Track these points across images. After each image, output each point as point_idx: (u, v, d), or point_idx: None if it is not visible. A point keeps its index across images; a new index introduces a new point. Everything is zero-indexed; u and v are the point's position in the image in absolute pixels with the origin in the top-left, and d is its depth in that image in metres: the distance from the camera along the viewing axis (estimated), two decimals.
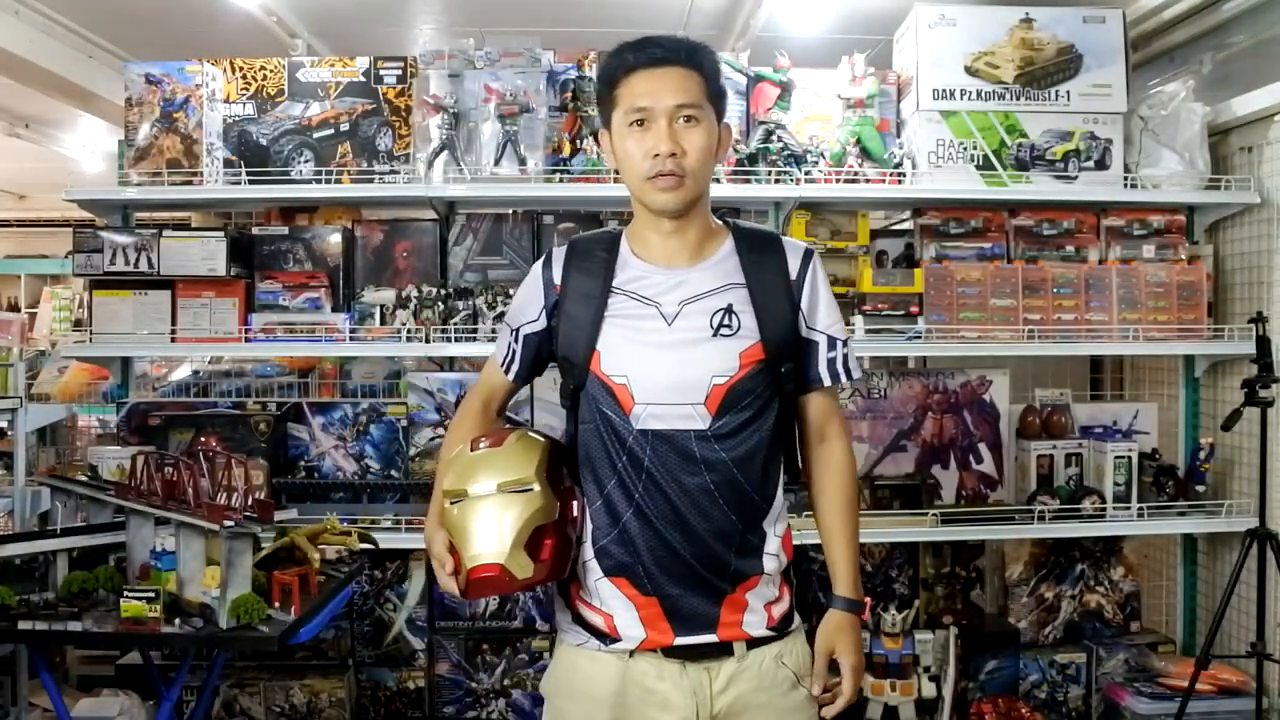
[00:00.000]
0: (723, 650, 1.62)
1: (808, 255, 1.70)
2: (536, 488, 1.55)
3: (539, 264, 1.74)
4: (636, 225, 1.70)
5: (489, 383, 1.83)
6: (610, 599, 1.62)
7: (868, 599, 1.73)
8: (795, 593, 1.72)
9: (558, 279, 1.70)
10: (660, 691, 1.61)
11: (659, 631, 1.60)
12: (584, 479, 1.67)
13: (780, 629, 1.67)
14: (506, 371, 1.79)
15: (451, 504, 1.57)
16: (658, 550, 1.60)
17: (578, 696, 1.66)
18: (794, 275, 1.68)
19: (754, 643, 1.64)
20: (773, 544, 1.67)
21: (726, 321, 1.62)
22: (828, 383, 1.71)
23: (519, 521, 1.53)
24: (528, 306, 1.74)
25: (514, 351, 1.77)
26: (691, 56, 1.62)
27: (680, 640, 1.61)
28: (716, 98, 1.65)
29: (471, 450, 1.62)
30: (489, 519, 1.53)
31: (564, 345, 1.68)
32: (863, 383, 3.36)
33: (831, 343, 1.70)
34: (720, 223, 1.72)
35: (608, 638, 1.63)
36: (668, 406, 1.60)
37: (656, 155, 1.58)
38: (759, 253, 1.68)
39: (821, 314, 1.70)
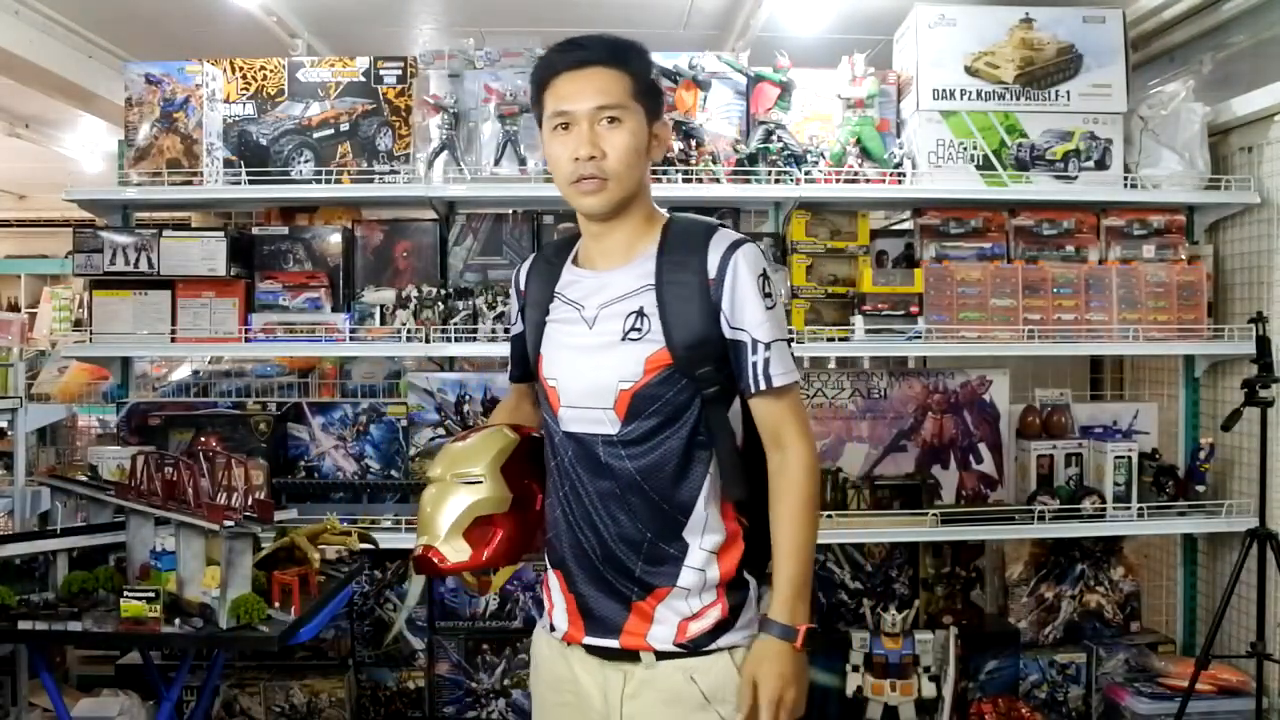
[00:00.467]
0: (628, 656, 1.61)
1: (730, 249, 1.58)
2: (485, 480, 1.63)
3: (518, 269, 1.82)
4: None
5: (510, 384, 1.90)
6: (553, 589, 1.71)
7: (806, 626, 1.57)
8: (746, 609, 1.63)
9: (523, 284, 1.78)
10: (584, 684, 1.65)
11: (576, 627, 1.66)
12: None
13: (693, 646, 1.59)
14: (509, 372, 1.86)
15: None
16: (575, 550, 1.65)
17: (540, 673, 1.76)
18: (713, 274, 1.57)
19: (667, 655, 1.60)
20: (697, 557, 1.60)
21: (636, 325, 1.60)
22: (750, 390, 1.59)
23: (459, 509, 1.63)
24: (512, 311, 1.83)
25: (511, 354, 1.84)
26: (615, 56, 1.60)
27: (588, 640, 1.64)
28: (644, 95, 1.62)
29: (451, 442, 1.73)
30: (434, 505, 1.65)
31: (528, 349, 1.75)
32: (863, 382, 3.37)
33: (754, 345, 1.58)
34: (666, 220, 1.68)
35: (550, 625, 1.71)
36: (584, 410, 1.62)
37: (578, 159, 1.58)
38: (682, 252, 1.61)
39: (742, 313, 1.58)
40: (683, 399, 1.58)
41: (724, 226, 1.65)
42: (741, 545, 1.63)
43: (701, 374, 1.58)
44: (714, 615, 1.60)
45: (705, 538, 1.61)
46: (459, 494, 1.63)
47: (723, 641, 1.60)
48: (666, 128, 1.69)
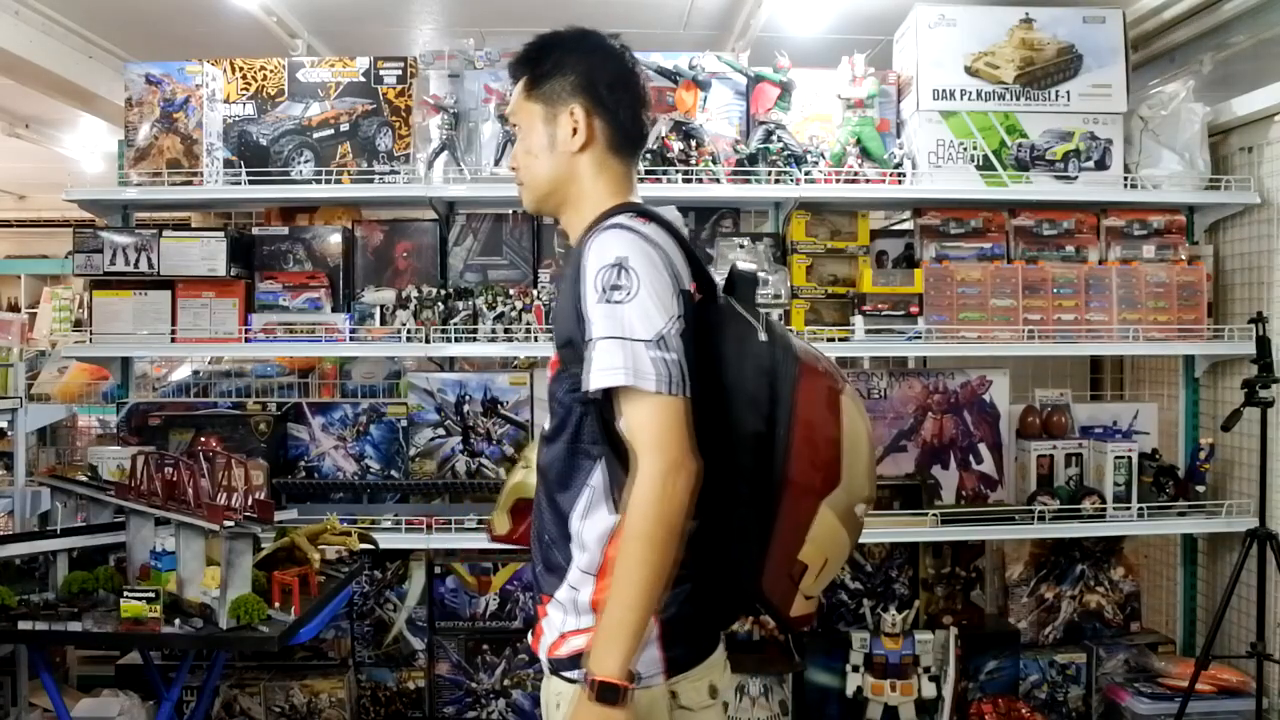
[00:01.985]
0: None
1: (585, 238, 1.50)
2: (526, 466, 1.80)
3: None
4: None
5: None
6: None
7: (602, 677, 1.35)
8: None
9: None
10: None
11: None
12: None
13: (556, 667, 1.52)
14: None
15: None
16: None
17: None
18: (579, 267, 1.46)
19: (550, 667, 1.55)
20: (573, 574, 1.50)
21: (549, 323, 1.63)
22: (585, 394, 1.43)
23: (506, 488, 1.85)
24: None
25: None
26: (514, 70, 1.64)
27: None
28: (535, 90, 1.58)
29: None
30: (506, 482, 1.87)
31: None
32: (863, 382, 3.37)
33: (589, 343, 1.42)
34: (603, 212, 1.57)
35: None
36: None
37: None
38: (578, 247, 1.52)
39: (585, 306, 1.43)
40: (569, 401, 1.49)
41: (625, 216, 1.50)
42: None
43: (574, 374, 1.46)
44: (578, 643, 1.47)
45: (584, 556, 1.49)
46: (514, 475, 1.84)
47: (577, 674, 1.43)
48: (574, 111, 1.55)
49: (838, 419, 1.47)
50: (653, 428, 1.38)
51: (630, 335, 1.39)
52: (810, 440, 1.46)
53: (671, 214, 1.64)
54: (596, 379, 1.39)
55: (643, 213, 1.53)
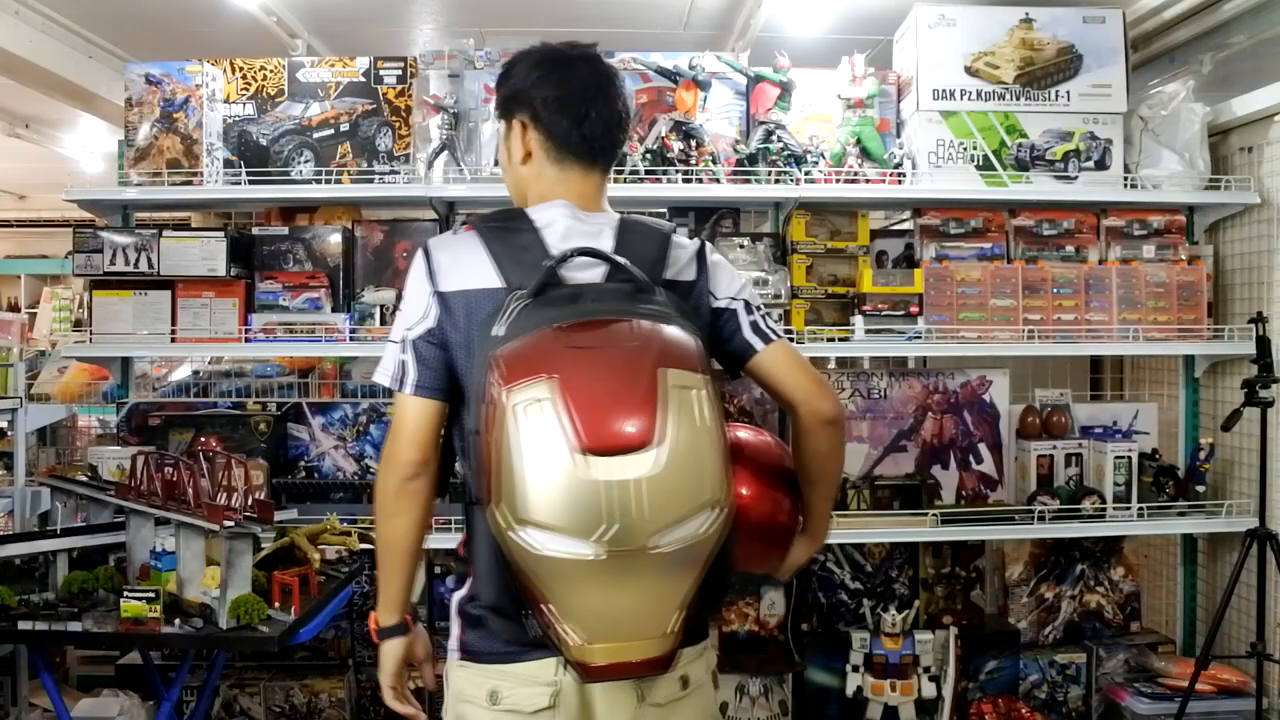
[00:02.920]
0: None
1: None
2: None
3: None
4: None
5: None
6: None
7: (379, 622, 1.67)
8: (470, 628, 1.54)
9: None
10: None
11: None
12: None
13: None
14: None
15: None
16: None
17: None
18: None
19: None
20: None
21: None
22: None
23: None
24: None
25: None
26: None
27: None
28: (499, 108, 1.64)
29: None
30: None
31: None
32: (863, 382, 3.37)
33: None
34: None
35: None
36: None
37: None
38: None
39: None
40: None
41: (459, 226, 1.64)
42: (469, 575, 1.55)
43: None
44: (454, 631, 1.58)
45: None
46: None
47: (446, 663, 1.63)
48: (513, 126, 1.61)
49: (493, 421, 1.30)
50: (392, 418, 1.55)
51: (391, 338, 1.56)
52: (478, 443, 1.37)
53: (551, 212, 1.55)
54: (379, 378, 1.56)
55: (486, 219, 1.59)
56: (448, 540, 3.11)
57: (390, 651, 1.65)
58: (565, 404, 1.25)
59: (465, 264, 1.51)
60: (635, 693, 1.46)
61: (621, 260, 1.47)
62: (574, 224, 1.53)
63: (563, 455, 1.24)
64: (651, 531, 1.25)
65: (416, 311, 1.52)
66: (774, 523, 1.63)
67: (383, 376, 1.55)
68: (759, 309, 1.61)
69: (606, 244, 1.52)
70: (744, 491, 1.55)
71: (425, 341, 1.51)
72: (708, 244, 1.64)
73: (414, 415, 1.51)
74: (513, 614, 1.41)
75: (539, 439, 1.25)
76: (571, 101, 1.56)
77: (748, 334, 1.59)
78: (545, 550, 1.26)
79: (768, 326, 1.60)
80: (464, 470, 1.56)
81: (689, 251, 1.60)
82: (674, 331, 1.38)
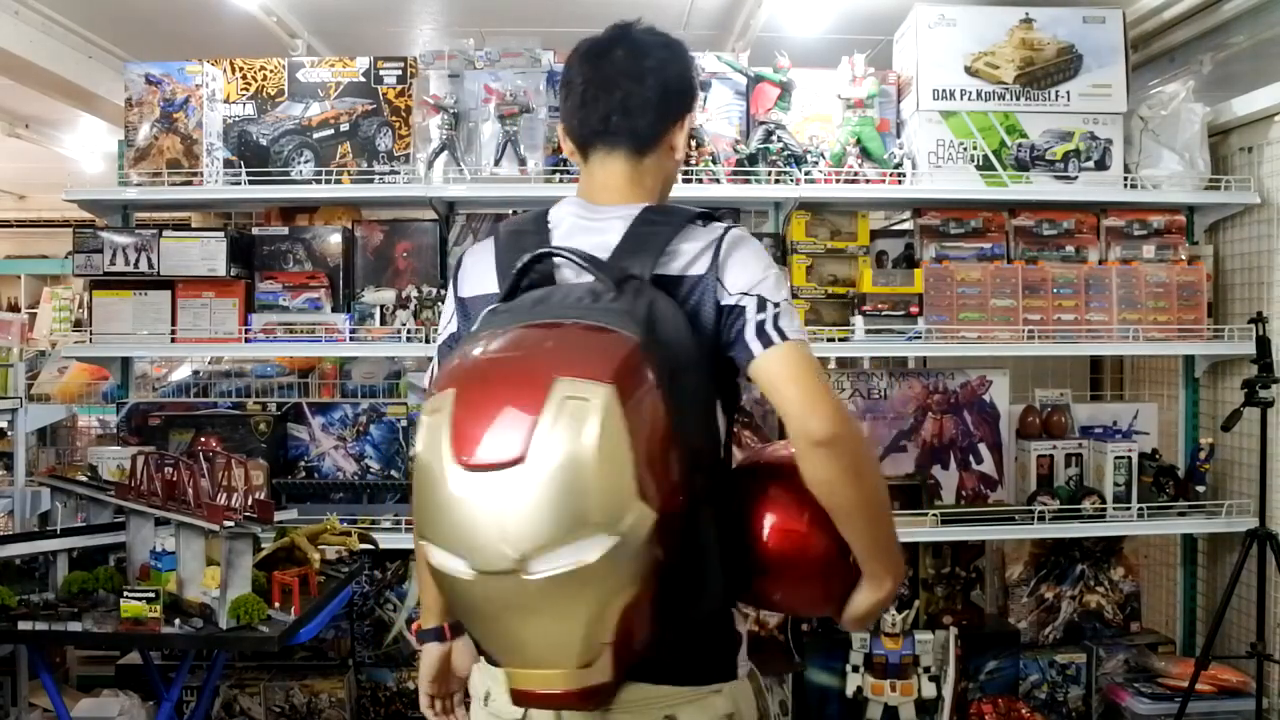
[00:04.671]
0: None
1: None
2: None
3: None
4: None
5: None
6: None
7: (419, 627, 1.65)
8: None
9: None
10: None
11: None
12: None
13: None
14: None
15: None
16: None
17: None
18: None
19: None
20: None
21: None
22: None
23: None
24: None
25: None
26: None
27: None
28: None
29: None
30: None
31: None
32: (863, 383, 3.36)
33: None
34: None
35: None
36: None
37: None
38: None
39: None
40: None
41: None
42: None
43: None
44: None
45: None
46: None
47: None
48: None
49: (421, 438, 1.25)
50: None
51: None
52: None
53: (561, 210, 1.49)
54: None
55: (507, 221, 1.59)
56: None
57: (425, 656, 1.65)
58: (452, 417, 1.20)
59: (479, 269, 1.51)
60: None
61: (573, 256, 1.38)
62: (578, 221, 1.48)
63: (440, 470, 1.19)
64: (518, 555, 1.13)
65: (445, 316, 1.58)
66: (806, 558, 1.41)
67: (427, 379, 1.59)
68: (776, 305, 1.38)
69: (614, 239, 1.42)
70: (769, 519, 1.41)
71: (447, 346, 1.54)
72: (732, 230, 1.44)
73: None
74: None
75: (429, 452, 1.21)
76: (577, 89, 1.53)
77: (749, 336, 1.36)
78: (438, 563, 1.21)
79: (775, 327, 1.36)
80: None
81: (701, 243, 1.41)
82: (592, 338, 1.24)
